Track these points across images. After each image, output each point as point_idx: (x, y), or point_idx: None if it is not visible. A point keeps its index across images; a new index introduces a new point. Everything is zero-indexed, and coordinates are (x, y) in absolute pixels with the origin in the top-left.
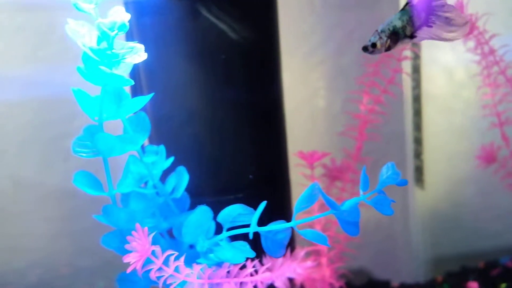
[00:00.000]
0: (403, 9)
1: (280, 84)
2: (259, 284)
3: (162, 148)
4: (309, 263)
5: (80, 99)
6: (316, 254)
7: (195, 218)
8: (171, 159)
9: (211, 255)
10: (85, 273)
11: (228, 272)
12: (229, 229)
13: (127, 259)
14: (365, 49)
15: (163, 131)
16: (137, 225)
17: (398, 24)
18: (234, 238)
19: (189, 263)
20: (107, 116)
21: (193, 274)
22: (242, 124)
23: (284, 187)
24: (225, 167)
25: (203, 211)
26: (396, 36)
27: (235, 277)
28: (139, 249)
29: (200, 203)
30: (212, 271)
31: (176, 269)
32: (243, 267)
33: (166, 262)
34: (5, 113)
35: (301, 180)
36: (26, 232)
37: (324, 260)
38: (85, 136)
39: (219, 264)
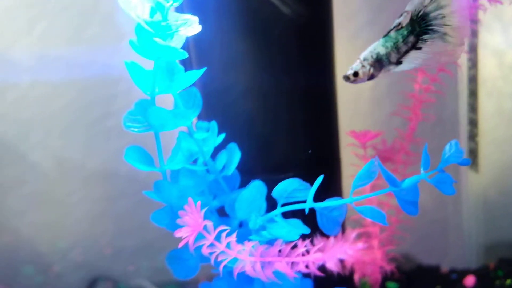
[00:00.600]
0: (386, 34)
1: (333, 62)
2: (310, 264)
3: (213, 124)
4: (360, 245)
5: (133, 73)
6: (366, 236)
7: (248, 194)
8: (222, 136)
9: (264, 232)
10: (126, 253)
11: (280, 251)
12: (283, 205)
13: (179, 233)
14: (346, 78)
15: (214, 107)
16: (190, 199)
17: (382, 51)
18: (284, 216)
19: (239, 241)
20: (160, 90)
21: (245, 251)
22: (294, 102)
23: (335, 167)
24: (276, 145)
25: (257, 186)
26: (380, 63)
27: (286, 256)
28: (191, 223)
29: (250, 181)
30: (264, 249)
31: (228, 246)
32: (294, 246)
33: (217, 238)
34: (49, 93)
35: (352, 160)
36: (69, 213)
37: (375, 243)
38: (136, 110)
39: (270, 242)
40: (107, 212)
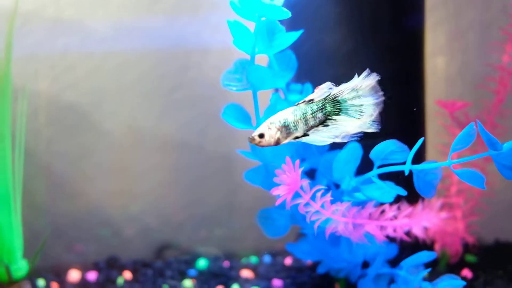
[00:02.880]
0: (298, 104)
1: (423, 30)
2: (398, 229)
3: (307, 86)
4: (444, 214)
5: (234, 32)
6: (449, 207)
7: (345, 155)
8: None
9: (358, 194)
10: (193, 222)
11: (370, 214)
12: (379, 167)
13: (276, 192)
14: (251, 139)
15: (306, 70)
16: (288, 158)
17: (290, 118)
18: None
19: (331, 202)
20: (259, 50)
21: (339, 212)
22: (384, 68)
23: (420, 135)
24: None
25: (354, 148)
26: (287, 130)
27: (376, 219)
28: (289, 182)
29: (337, 146)
30: (355, 211)
31: (322, 206)
32: (382, 211)
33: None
34: (123, 64)
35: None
36: (140, 181)
37: (458, 213)
38: (235, 69)
39: (360, 204)
40: (176, 181)
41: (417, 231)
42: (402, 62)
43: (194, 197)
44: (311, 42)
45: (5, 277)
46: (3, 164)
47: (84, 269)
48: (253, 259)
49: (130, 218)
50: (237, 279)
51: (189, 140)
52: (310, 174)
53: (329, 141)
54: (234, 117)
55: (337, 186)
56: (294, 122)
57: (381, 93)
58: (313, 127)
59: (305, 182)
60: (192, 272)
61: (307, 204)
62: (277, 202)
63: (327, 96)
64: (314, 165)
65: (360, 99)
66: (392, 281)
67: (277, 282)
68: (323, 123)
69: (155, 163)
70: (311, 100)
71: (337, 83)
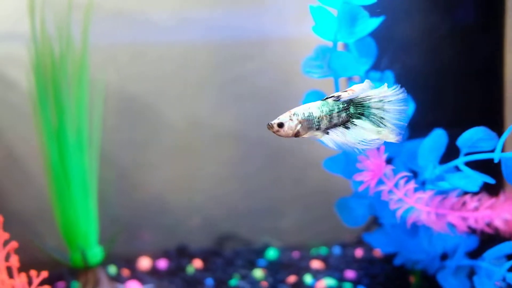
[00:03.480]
0: (325, 99)
1: (504, 23)
2: (479, 220)
3: (388, 74)
4: None
5: (317, 17)
6: None
7: (430, 142)
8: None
9: (442, 183)
10: (255, 212)
11: (452, 204)
12: (466, 155)
13: (359, 178)
14: (269, 126)
15: (386, 58)
16: None
17: (316, 112)
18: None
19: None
20: (340, 37)
21: (422, 201)
22: (465, 57)
23: (500, 124)
24: (446, 99)
25: (439, 135)
26: (309, 124)
27: (458, 210)
28: (373, 168)
29: (417, 135)
30: (438, 201)
31: (406, 194)
32: (464, 203)
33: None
34: (186, 54)
35: None
36: (200, 171)
37: None
38: (316, 56)
39: (443, 193)
40: (236, 172)
41: (499, 223)
42: (483, 51)
43: (255, 188)
44: (390, 29)
45: (81, 263)
46: (81, 153)
47: (153, 257)
48: (323, 250)
49: (192, 208)
50: (308, 270)
51: (249, 131)
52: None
53: (347, 148)
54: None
55: (416, 175)
56: (318, 118)
57: (406, 108)
58: (335, 125)
59: (389, 169)
60: (261, 262)
61: (390, 192)
62: (360, 188)
63: (354, 97)
64: (392, 154)
65: (384, 112)
66: (472, 273)
67: (349, 273)
68: (344, 124)
69: (217, 153)
70: (338, 97)
71: (422, 71)
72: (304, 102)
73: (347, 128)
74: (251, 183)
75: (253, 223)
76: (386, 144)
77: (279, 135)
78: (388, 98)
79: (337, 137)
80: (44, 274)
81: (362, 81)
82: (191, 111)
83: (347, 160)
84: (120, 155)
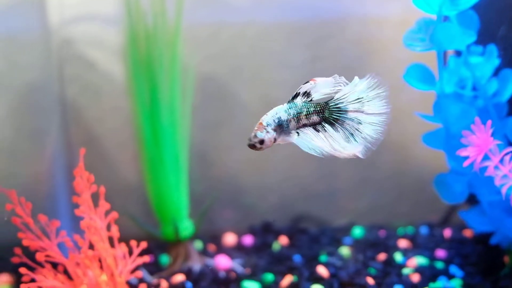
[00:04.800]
0: (290, 101)
1: None
2: None
3: (491, 48)
4: None
5: None
6: None
7: None
8: (496, 61)
9: None
10: (329, 193)
11: None
12: None
13: (464, 153)
14: (251, 146)
15: (488, 32)
16: (477, 118)
17: (284, 116)
18: None
19: None
20: (444, 9)
21: None
22: None
23: None
24: None
25: None
26: (280, 128)
27: None
28: (478, 143)
29: None
30: None
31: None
32: None
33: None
34: (261, 33)
35: None
36: (274, 152)
37: None
38: (418, 29)
39: None
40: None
41: None
42: None
43: (331, 170)
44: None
45: (173, 236)
46: (174, 130)
47: (238, 233)
48: (410, 230)
49: (268, 189)
50: (396, 248)
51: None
52: None
53: (314, 153)
54: (417, 78)
55: None
56: (286, 121)
57: (388, 109)
58: (304, 125)
59: (495, 144)
60: (347, 240)
61: (495, 168)
62: (465, 164)
63: (328, 101)
64: (493, 131)
65: (362, 115)
66: None
67: (440, 252)
68: (315, 126)
69: None
70: (308, 97)
71: None
72: (405, 77)
73: (317, 131)
74: (326, 165)
75: (330, 204)
76: (484, 120)
77: (262, 150)
78: (366, 97)
79: (306, 139)
80: (144, 244)
81: (464, 55)
82: (267, 90)
83: (448, 135)
84: (196, 135)
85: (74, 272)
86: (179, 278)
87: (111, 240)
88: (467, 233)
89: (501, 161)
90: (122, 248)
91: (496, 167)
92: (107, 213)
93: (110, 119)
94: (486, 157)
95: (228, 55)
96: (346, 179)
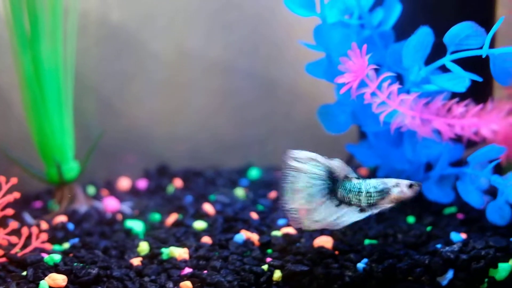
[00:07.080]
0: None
1: None
2: (466, 128)
3: None
4: None
5: None
6: None
7: (416, 40)
8: None
9: (427, 85)
10: (239, 147)
11: (437, 110)
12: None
13: (341, 80)
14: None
15: None
16: (354, 44)
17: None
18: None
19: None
20: None
21: (406, 104)
22: None
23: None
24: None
25: (426, 33)
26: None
27: (444, 116)
28: (355, 69)
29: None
30: (423, 104)
31: (389, 97)
32: (449, 109)
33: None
34: None
35: None
36: (188, 102)
37: None
38: None
39: (429, 96)
40: (225, 104)
41: (486, 132)
42: None
43: (242, 120)
44: None
45: (56, 178)
46: (56, 68)
47: (133, 178)
48: None
49: (179, 139)
50: None
51: (238, 62)
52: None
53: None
54: (298, 3)
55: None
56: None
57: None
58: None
59: (371, 69)
60: (243, 181)
61: (372, 94)
62: (342, 91)
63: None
64: (378, 60)
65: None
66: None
67: None
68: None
69: (203, 85)
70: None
71: None
72: (286, 2)
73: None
74: (239, 114)
75: (242, 155)
76: (370, 49)
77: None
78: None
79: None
80: (14, 180)
81: None
82: (179, 40)
83: (330, 63)
84: (104, 85)
85: None
86: (61, 219)
87: None
88: (363, 171)
89: (380, 87)
90: None
91: (373, 94)
92: None
93: None
94: (363, 84)
95: (138, 3)
96: (259, 128)
